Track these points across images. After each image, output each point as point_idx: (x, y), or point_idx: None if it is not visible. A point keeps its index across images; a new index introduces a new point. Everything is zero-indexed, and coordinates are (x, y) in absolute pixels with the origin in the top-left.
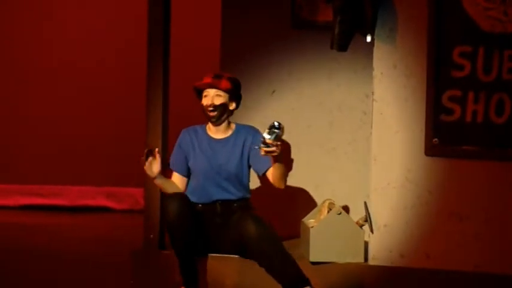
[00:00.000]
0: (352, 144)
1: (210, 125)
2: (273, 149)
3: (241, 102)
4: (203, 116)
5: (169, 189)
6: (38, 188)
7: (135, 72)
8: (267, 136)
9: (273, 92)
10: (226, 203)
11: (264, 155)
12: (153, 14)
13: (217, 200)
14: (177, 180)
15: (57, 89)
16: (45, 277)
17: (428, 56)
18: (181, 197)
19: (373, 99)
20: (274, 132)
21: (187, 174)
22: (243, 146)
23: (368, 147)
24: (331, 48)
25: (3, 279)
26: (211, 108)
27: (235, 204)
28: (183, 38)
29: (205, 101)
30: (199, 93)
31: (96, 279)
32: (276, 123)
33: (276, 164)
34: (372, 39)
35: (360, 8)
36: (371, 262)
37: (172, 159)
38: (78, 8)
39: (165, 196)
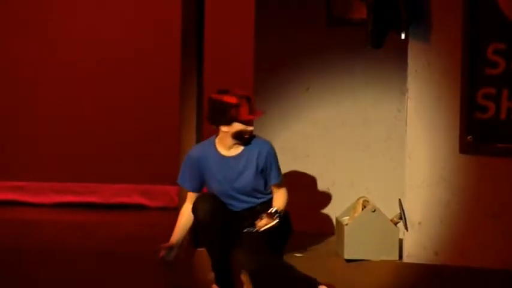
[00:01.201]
0: (386, 141)
1: (219, 140)
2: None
3: (277, 97)
4: None
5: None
6: (73, 186)
7: (169, 70)
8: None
9: (308, 88)
10: (248, 210)
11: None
12: (186, 13)
13: (240, 210)
14: (190, 196)
15: (94, 87)
16: (80, 275)
17: (463, 53)
18: (212, 196)
19: (407, 97)
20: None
21: (201, 189)
22: (257, 163)
23: (402, 145)
24: (366, 45)
25: (40, 278)
26: (247, 136)
27: (258, 207)
28: (217, 35)
29: (250, 127)
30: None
31: (131, 277)
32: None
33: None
34: (406, 36)
35: (394, 5)
36: (405, 260)
37: (185, 178)
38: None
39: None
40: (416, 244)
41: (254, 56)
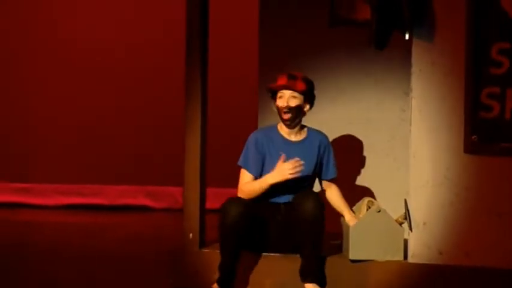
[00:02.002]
0: (390, 141)
1: (282, 126)
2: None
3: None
4: (243, 116)
5: None
6: (78, 188)
7: (173, 72)
8: None
9: None
10: (290, 204)
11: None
12: (191, 15)
13: (282, 203)
14: (248, 178)
15: (97, 89)
16: (85, 276)
17: (467, 53)
18: (243, 202)
19: (411, 97)
20: None
21: (260, 175)
22: (318, 151)
23: (406, 145)
24: (369, 46)
25: (45, 279)
26: (286, 110)
27: (282, 206)
28: (221, 36)
29: (280, 102)
30: (273, 94)
31: (136, 278)
32: None
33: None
34: (410, 36)
35: (398, 6)
36: (410, 260)
37: (248, 161)
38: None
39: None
40: (421, 244)
41: (258, 57)
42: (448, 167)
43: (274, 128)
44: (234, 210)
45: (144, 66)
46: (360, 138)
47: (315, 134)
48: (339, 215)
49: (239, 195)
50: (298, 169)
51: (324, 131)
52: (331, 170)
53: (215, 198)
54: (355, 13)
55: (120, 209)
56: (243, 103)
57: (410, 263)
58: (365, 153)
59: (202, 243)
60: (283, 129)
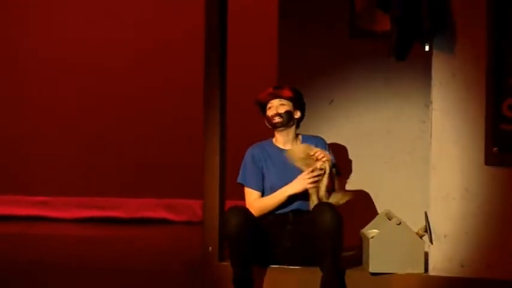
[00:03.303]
0: (411, 153)
1: (276, 137)
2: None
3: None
4: (262, 129)
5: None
6: (97, 201)
7: (192, 84)
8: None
9: (331, 101)
10: (299, 212)
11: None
12: (209, 27)
13: (290, 211)
14: (255, 195)
15: (118, 101)
16: None
17: (488, 64)
18: (243, 210)
19: (432, 109)
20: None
21: (263, 189)
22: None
23: (427, 157)
24: (389, 57)
25: None
26: (276, 117)
27: (307, 213)
28: (241, 48)
29: (269, 112)
30: (262, 108)
31: None
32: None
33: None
34: (430, 48)
35: (418, 17)
36: (431, 272)
37: (246, 176)
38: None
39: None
40: (442, 257)
41: (277, 69)
42: (469, 179)
43: (269, 141)
44: (234, 219)
45: (163, 79)
46: (380, 150)
47: (310, 138)
48: (356, 228)
49: (252, 212)
50: (317, 179)
51: (343, 143)
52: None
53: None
54: (375, 24)
55: (139, 222)
56: (262, 117)
57: (431, 276)
58: (385, 165)
59: (222, 257)
60: (278, 141)
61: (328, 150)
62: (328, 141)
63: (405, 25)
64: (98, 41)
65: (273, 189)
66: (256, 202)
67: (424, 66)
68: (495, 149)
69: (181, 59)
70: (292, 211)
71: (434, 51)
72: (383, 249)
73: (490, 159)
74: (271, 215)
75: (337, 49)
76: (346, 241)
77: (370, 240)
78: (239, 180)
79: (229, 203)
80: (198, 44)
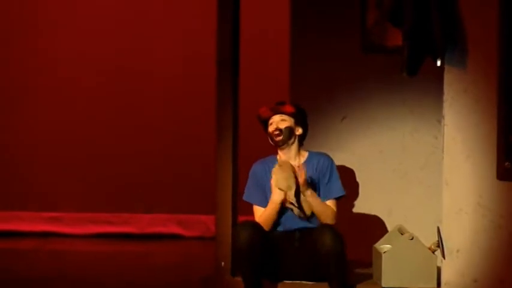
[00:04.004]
0: (424, 169)
1: (280, 154)
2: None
3: (311, 128)
4: (272, 145)
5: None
6: (109, 216)
7: (204, 100)
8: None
9: (343, 118)
10: (305, 230)
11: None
12: (222, 43)
13: (296, 229)
14: (261, 213)
15: (131, 117)
16: None
17: (499, 79)
18: (252, 224)
19: (443, 124)
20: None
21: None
22: (316, 173)
23: (440, 172)
24: (401, 72)
25: None
26: (277, 132)
27: (297, 234)
28: (253, 64)
29: (270, 128)
30: (264, 124)
31: None
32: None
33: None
34: (442, 63)
35: (429, 32)
36: (444, 287)
37: (251, 193)
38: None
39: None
40: (454, 272)
41: (290, 85)
42: (481, 194)
43: (273, 157)
44: (243, 233)
45: (175, 95)
46: (394, 166)
47: (314, 156)
48: (369, 243)
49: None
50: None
51: (356, 159)
52: (332, 190)
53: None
54: (386, 40)
55: (151, 237)
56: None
57: None
58: (398, 181)
59: (234, 272)
60: (282, 157)
61: (331, 169)
62: (341, 158)
63: (416, 40)
64: (107, 53)
65: (282, 206)
66: (261, 217)
67: (437, 81)
68: (507, 163)
69: (197, 75)
70: (299, 229)
71: (446, 66)
72: (396, 264)
73: (502, 173)
74: (278, 231)
75: (349, 65)
76: (359, 256)
77: (383, 255)
78: (244, 197)
79: (241, 218)
80: (212, 58)
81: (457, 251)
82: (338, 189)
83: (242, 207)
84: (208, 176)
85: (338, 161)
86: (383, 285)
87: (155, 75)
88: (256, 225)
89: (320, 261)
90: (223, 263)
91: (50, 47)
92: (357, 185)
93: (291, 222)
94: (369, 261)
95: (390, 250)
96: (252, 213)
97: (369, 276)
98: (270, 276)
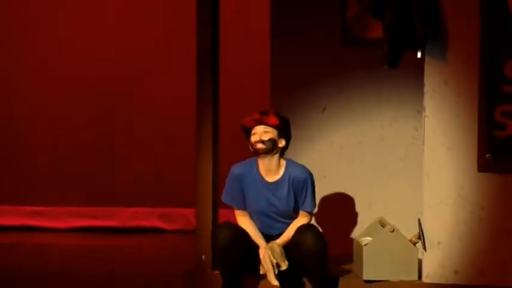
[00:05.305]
0: (404, 160)
1: (260, 162)
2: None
3: (293, 118)
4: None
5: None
6: (91, 210)
7: (185, 95)
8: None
9: (324, 109)
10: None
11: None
12: (201, 38)
13: (277, 234)
14: (241, 213)
15: (111, 111)
16: None
17: (480, 71)
18: (232, 225)
19: (424, 116)
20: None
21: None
22: (293, 189)
23: (420, 164)
24: (382, 65)
25: None
26: (259, 145)
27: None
28: (233, 57)
29: (253, 138)
30: (247, 132)
31: None
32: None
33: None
34: (423, 55)
35: (410, 25)
36: (425, 280)
37: (230, 196)
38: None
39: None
40: (435, 264)
41: (270, 77)
42: (462, 186)
43: (255, 162)
44: (221, 235)
45: (156, 90)
46: (374, 157)
47: (292, 171)
48: (349, 235)
49: None
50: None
51: (336, 151)
52: (305, 204)
53: (228, 219)
54: (367, 32)
55: (133, 231)
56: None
57: (425, 283)
58: (378, 172)
59: (215, 265)
60: (261, 166)
61: (306, 185)
62: (321, 149)
63: (397, 32)
64: (97, 51)
65: (260, 213)
66: (241, 222)
67: (417, 73)
68: (488, 155)
69: (176, 72)
70: (279, 234)
71: (427, 58)
72: (376, 256)
73: (483, 166)
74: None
75: (330, 57)
76: (340, 248)
77: (364, 247)
78: (223, 200)
79: (222, 212)
80: (190, 64)
81: (438, 243)
82: (310, 204)
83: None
84: (190, 170)
85: (318, 152)
86: (364, 278)
87: (135, 73)
88: (236, 227)
89: (302, 260)
90: (203, 257)
91: (44, 48)
92: (337, 176)
93: (270, 228)
94: (349, 254)
95: (371, 243)
96: (232, 206)
97: (350, 270)
98: (251, 271)
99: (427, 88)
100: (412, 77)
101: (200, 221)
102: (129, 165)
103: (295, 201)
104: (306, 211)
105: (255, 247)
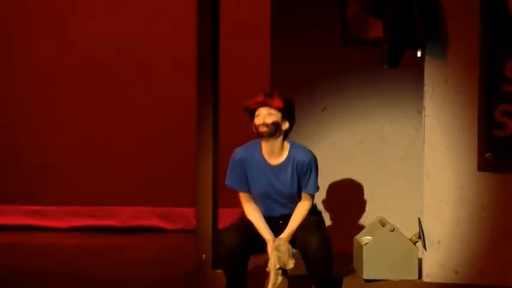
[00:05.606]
0: (404, 160)
1: (263, 145)
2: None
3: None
4: (255, 138)
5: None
6: (91, 210)
7: (185, 95)
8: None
9: (324, 109)
10: (288, 217)
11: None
12: (202, 39)
13: (279, 216)
14: (245, 196)
15: (109, 111)
16: None
17: (480, 70)
18: (236, 228)
19: (424, 115)
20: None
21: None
22: (297, 172)
23: (420, 164)
24: (382, 64)
25: None
26: (263, 128)
27: (280, 221)
28: (233, 57)
29: (257, 120)
30: (251, 114)
31: None
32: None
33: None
34: (423, 54)
35: (410, 24)
36: (425, 279)
37: (233, 179)
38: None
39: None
40: (435, 263)
41: (270, 77)
42: (462, 186)
43: (258, 145)
44: (227, 239)
45: (157, 90)
46: (374, 157)
47: (295, 153)
48: (350, 234)
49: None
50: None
51: (336, 150)
52: (308, 187)
53: (228, 219)
54: (367, 32)
55: (133, 230)
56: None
57: (425, 282)
58: (378, 172)
59: (215, 265)
60: (264, 149)
61: (310, 168)
62: (322, 149)
63: (397, 32)
64: (97, 51)
65: (263, 195)
66: (246, 208)
67: (417, 72)
68: (488, 155)
69: (177, 72)
70: (281, 216)
71: (427, 58)
72: (377, 256)
73: (483, 165)
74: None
75: (330, 57)
76: (340, 248)
77: (364, 247)
78: (226, 182)
79: (222, 211)
80: (191, 65)
81: (438, 242)
82: (314, 187)
83: (223, 201)
84: (190, 170)
85: (318, 152)
86: (364, 277)
87: (137, 73)
88: (240, 230)
89: (306, 262)
90: (204, 256)
91: (43, 45)
92: (337, 176)
93: (273, 211)
94: (349, 253)
95: (371, 242)
96: (232, 205)
97: (351, 269)
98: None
99: (427, 87)
100: (412, 77)
101: (200, 220)
102: (129, 165)
103: (299, 184)
104: (308, 193)
105: (262, 243)
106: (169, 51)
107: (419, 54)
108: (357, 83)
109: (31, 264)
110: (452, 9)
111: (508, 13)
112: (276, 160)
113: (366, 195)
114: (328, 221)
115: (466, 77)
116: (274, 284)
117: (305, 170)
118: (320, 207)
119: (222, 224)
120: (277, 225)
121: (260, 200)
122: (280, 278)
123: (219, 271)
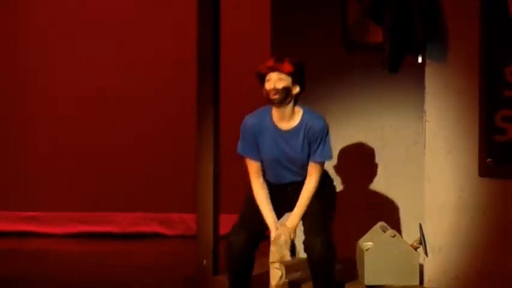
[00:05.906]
0: (405, 165)
1: (274, 111)
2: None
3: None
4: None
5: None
6: (90, 216)
7: (185, 99)
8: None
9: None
10: (297, 184)
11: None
12: (202, 41)
13: (289, 183)
14: (255, 167)
15: (111, 116)
16: None
17: (481, 75)
18: (245, 230)
19: (425, 119)
20: None
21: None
22: (307, 138)
23: (421, 168)
24: (382, 69)
25: None
26: (273, 92)
27: (289, 189)
28: (234, 61)
29: (267, 86)
30: (261, 79)
31: None
32: None
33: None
34: (423, 59)
35: (410, 29)
36: (426, 285)
37: (244, 146)
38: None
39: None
40: (437, 269)
41: None
42: (463, 191)
43: (268, 111)
44: (235, 241)
45: (156, 95)
46: (373, 160)
47: (308, 119)
48: (351, 239)
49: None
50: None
51: (335, 153)
52: (316, 155)
53: (228, 225)
54: (367, 36)
55: (132, 236)
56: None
57: None
58: (379, 176)
59: (216, 270)
60: (275, 114)
61: (322, 135)
62: None
63: (397, 37)
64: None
65: (273, 161)
66: (254, 185)
67: (418, 76)
68: (489, 160)
69: (177, 72)
70: (291, 183)
71: (427, 61)
72: (378, 261)
73: (484, 170)
74: (271, 183)
75: (330, 57)
76: (341, 253)
77: (365, 252)
78: (239, 151)
79: (223, 217)
80: (191, 68)
81: (439, 248)
82: (324, 154)
83: (224, 206)
84: (190, 175)
85: None
86: (366, 283)
87: (135, 76)
88: (248, 231)
89: (308, 265)
90: (204, 262)
91: (43, 45)
92: (337, 179)
93: (282, 178)
94: (351, 258)
95: (372, 248)
96: (233, 211)
97: (353, 274)
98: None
99: (428, 91)
100: (414, 81)
101: (201, 226)
102: (128, 170)
103: (309, 151)
104: (317, 162)
105: (276, 199)
106: (169, 51)
107: (420, 60)
108: (358, 87)
109: (28, 270)
110: (452, 9)
111: (508, 16)
112: (287, 125)
113: (366, 200)
114: None
115: (467, 81)
116: (273, 278)
117: (316, 136)
118: None
119: (222, 230)
120: (285, 190)
121: (270, 167)
122: (279, 272)
123: (220, 277)
